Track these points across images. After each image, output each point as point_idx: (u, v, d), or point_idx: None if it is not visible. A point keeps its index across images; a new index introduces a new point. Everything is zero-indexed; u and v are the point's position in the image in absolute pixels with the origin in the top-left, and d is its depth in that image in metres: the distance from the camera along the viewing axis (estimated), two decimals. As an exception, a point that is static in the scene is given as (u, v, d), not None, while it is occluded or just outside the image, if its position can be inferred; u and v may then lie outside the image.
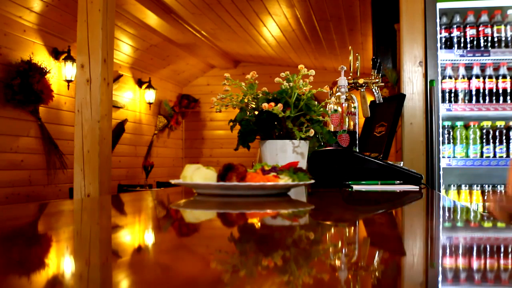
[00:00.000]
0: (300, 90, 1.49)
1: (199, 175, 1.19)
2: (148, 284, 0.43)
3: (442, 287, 0.45)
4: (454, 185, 3.02)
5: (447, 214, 1.11)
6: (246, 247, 0.63)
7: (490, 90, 2.94)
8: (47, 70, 4.93)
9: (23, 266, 0.49)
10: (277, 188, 1.19)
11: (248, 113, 1.56)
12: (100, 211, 1.10)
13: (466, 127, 2.99)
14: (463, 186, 2.99)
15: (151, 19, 5.54)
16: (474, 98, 2.95)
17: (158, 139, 7.60)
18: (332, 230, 0.81)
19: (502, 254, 0.62)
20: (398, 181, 1.70)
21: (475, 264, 0.55)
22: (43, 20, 4.92)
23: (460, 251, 0.62)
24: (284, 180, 1.19)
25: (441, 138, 2.90)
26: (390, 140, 2.21)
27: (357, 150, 1.93)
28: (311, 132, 1.48)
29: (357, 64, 2.27)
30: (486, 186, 2.96)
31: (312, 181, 1.26)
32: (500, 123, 2.93)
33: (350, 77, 2.17)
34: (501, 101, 2.92)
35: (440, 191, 2.84)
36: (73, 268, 0.51)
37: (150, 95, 7.18)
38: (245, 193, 1.18)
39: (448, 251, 0.63)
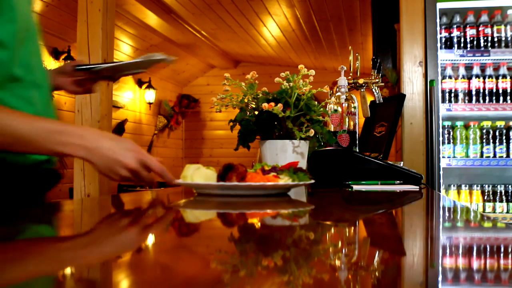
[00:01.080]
0: (300, 90, 1.49)
1: (199, 175, 1.19)
2: (148, 284, 0.43)
3: (442, 287, 0.45)
4: (454, 185, 3.02)
5: (447, 214, 1.11)
6: (246, 247, 0.63)
7: (490, 90, 2.94)
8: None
9: (23, 266, 0.49)
10: (277, 188, 1.19)
11: (248, 113, 1.56)
12: (100, 211, 1.10)
13: (466, 127, 2.99)
14: (463, 186, 2.99)
15: (151, 19, 5.54)
16: (474, 98, 2.95)
17: (158, 139, 7.61)
18: (332, 230, 0.81)
19: (502, 254, 0.62)
20: (398, 181, 1.70)
21: (475, 264, 0.55)
22: (43, 20, 4.92)
23: (460, 251, 0.62)
24: (284, 180, 1.18)
25: (441, 138, 2.90)
26: (390, 140, 2.21)
27: (357, 150, 1.92)
28: (311, 132, 1.48)
29: (357, 64, 2.27)
30: (486, 186, 2.96)
31: (312, 181, 1.26)
32: (500, 123, 2.93)
33: (350, 77, 2.16)
34: (501, 101, 2.92)
35: (440, 191, 2.84)
36: (73, 268, 0.51)
37: (150, 95, 7.18)
38: (245, 193, 1.18)
39: (448, 251, 0.63)
